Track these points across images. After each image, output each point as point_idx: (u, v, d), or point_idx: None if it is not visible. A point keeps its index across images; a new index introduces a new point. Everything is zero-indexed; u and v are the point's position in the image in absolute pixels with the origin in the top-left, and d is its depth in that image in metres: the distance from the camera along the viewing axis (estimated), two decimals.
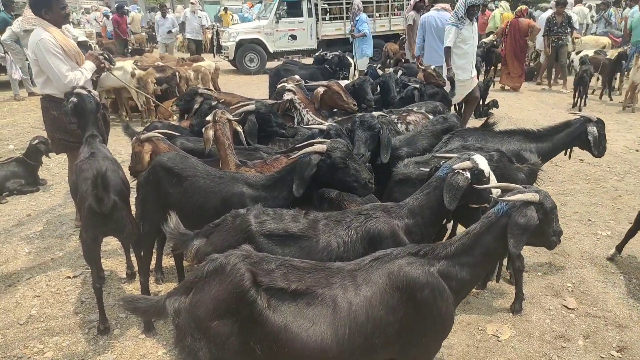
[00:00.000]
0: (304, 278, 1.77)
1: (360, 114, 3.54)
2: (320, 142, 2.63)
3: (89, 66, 4.05)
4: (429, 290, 1.83)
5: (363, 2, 14.91)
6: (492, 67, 12.73)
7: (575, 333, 3.05)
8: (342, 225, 2.22)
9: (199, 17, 14.40)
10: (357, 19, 10.28)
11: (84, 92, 3.60)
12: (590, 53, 10.44)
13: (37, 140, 5.48)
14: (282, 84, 4.48)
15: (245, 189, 2.63)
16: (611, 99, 10.04)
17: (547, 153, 3.75)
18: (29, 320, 3.20)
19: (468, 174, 2.30)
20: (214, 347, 1.66)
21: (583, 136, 3.73)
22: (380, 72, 4.94)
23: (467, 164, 2.33)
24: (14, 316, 3.24)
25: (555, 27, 10.73)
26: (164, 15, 14.38)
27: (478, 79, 10.44)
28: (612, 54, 10.07)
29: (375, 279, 1.83)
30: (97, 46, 14.09)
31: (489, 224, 1.95)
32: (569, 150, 3.95)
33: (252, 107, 3.72)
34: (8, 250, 4.13)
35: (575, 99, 9.38)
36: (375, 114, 3.46)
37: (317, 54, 9.56)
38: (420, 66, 6.27)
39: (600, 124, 3.77)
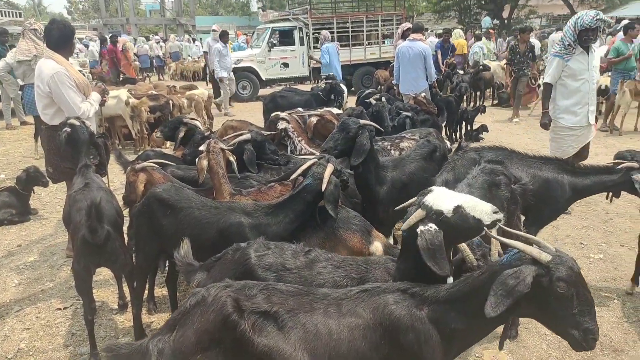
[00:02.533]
0: (287, 301, 1.73)
1: (344, 118, 3.65)
2: (315, 163, 2.78)
3: (95, 97, 4.13)
4: (413, 335, 1.70)
5: (354, 31, 15.41)
6: (480, 93, 12.97)
7: (572, 358, 3.04)
8: (339, 272, 2.13)
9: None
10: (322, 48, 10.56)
11: (77, 122, 3.63)
12: None
13: (29, 170, 5.46)
14: (277, 113, 4.54)
15: (244, 218, 2.63)
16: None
17: (582, 190, 3.53)
18: (17, 354, 3.14)
19: (432, 226, 1.79)
20: None
21: (627, 185, 3.42)
22: (373, 101, 5.02)
23: (419, 213, 1.84)
24: (2, 350, 3.18)
25: (518, 57, 10.66)
26: (225, 43, 12.02)
27: (466, 104, 10.68)
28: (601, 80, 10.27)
29: (360, 311, 1.74)
30: (90, 75, 14.20)
31: (491, 272, 1.67)
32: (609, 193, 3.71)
33: (247, 136, 3.76)
34: None
35: None
36: (362, 122, 3.51)
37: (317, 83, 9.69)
38: (398, 95, 6.36)
39: None
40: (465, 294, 1.72)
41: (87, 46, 21.12)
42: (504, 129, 10.21)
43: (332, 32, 15.37)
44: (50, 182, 5.42)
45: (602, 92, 9.61)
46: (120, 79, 15.41)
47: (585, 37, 4.53)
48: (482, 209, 1.81)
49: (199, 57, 22.87)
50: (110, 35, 16.60)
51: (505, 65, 11.33)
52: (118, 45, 16.02)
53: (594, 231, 4.94)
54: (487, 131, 9.01)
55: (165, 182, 3.29)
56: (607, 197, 3.80)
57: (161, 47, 24.92)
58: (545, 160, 3.59)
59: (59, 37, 3.94)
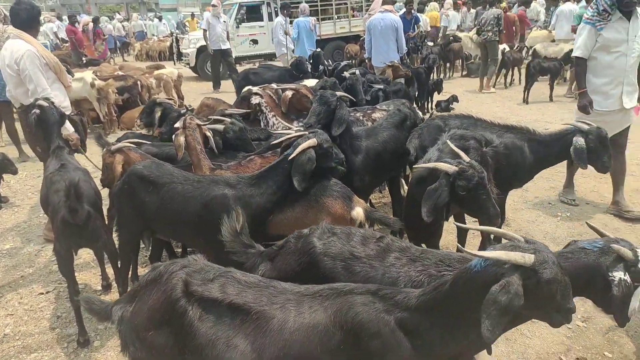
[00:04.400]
0: (243, 292, 1.65)
1: (321, 91, 3.62)
2: (301, 136, 2.76)
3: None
4: (379, 342, 1.54)
5: (323, 5, 15.20)
6: (450, 64, 13.13)
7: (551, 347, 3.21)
8: (415, 266, 1.88)
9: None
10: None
11: (46, 103, 3.56)
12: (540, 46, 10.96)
13: None
14: (249, 88, 4.51)
15: (227, 190, 2.64)
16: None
17: (544, 158, 3.56)
18: (3, 339, 3.12)
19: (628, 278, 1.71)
20: (153, 358, 1.67)
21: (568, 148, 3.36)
22: (346, 74, 5.05)
23: (628, 254, 1.72)
24: None
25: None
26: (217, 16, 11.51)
27: (435, 77, 10.73)
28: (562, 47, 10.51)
29: (321, 310, 1.60)
30: None
31: (464, 280, 1.50)
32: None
33: (220, 127, 3.69)
34: None
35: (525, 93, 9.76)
36: (339, 94, 3.53)
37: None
38: (370, 68, 6.39)
39: (592, 134, 3.36)
40: (438, 302, 1.55)
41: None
42: (474, 98, 10.41)
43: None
44: (18, 170, 5.39)
45: (567, 60, 9.88)
46: (84, 61, 14.90)
47: (626, 2, 3.78)
48: (636, 301, 1.76)
49: (164, 37, 22.26)
50: (68, 15, 15.92)
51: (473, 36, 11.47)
52: (79, 25, 15.47)
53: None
54: (457, 101, 9.17)
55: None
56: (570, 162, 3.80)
57: (124, 26, 24.10)
58: (508, 128, 3.68)
59: (27, 18, 3.93)
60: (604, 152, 3.38)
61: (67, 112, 3.98)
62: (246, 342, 1.57)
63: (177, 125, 3.49)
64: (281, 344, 1.56)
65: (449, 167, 2.39)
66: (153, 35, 23.40)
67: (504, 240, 1.65)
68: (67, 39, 16.59)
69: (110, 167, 3.25)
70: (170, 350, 1.63)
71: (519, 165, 3.57)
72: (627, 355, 2.83)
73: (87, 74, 8.04)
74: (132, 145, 3.44)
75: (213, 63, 12.44)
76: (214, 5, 11.64)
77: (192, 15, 22.48)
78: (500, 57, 10.73)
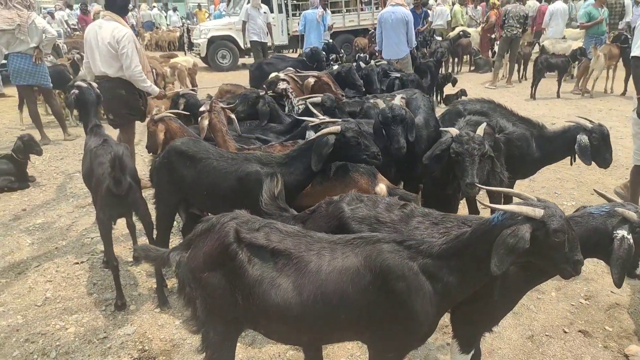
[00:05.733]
0: (284, 240, 1.86)
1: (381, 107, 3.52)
2: (334, 123, 2.91)
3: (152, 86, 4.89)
4: (404, 284, 1.76)
5: None
6: (458, 59, 13.28)
7: (548, 287, 3.44)
8: (438, 229, 2.09)
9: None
10: None
11: (84, 84, 3.77)
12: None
13: (24, 138, 5.52)
14: (276, 73, 4.72)
15: (260, 167, 2.84)
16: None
17: (550, 153, 3.68)
18: (45, 302, 3.36)
19: (631, 238, 1.84)
20: (207, 296, 1.87)
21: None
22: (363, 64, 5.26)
23: (631, 215, 1.88)
24: (30, 300, 3.39)
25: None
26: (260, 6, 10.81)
27: (444, 71, 10.88)
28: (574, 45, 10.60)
29: (353, 256, 1.82)
30: (64, 45, 13.84)
31: (483, 231, 1.73)
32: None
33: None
34: (10, 242, 4.23)
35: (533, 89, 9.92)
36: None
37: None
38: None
39: (595, 132, 3.46)
40: (458, 250, 1.77)
41: (52, 15, 20.30)
42: (482, 93, 10.56)
43: None
44: (43, 152, 5.77)
45: (574, 57, 10.05)
46: None
47: None
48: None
49: (174, 27, 22.42)
50: (80, 3, 16.10)
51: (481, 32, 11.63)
52: (90, 14, 15.64)
53: (567, 182, 5.38)
54: (465, 95, 9.33)
55: (181, 130, 3.57)
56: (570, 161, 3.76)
57: (134, 15, 24.23)
58: (523, 120, 3.83)
59: (122, 4, 4.65)
60: (605, 149, 3.51)
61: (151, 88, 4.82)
62: (288, 281, 1.80)
63: (202, 108, 3.70)
64: (318, 283, 1.78)
65: (454, 131, 2.85)
66: (167, 25, 23.49)
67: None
68: (78, 27, 16.80)
69: (154, 134, 3.52)
70: (222, 289, 1.84)
71: (526, 156, 3.71)
72: (626, 330, 3.05)
73: None
74: (172, 115, 3.69)
75: (255, 56, 11.27)
76: None
77: (199, 6, 22.61)
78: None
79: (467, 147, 2.74)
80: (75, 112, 7.89)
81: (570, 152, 3.60)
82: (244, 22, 10.82)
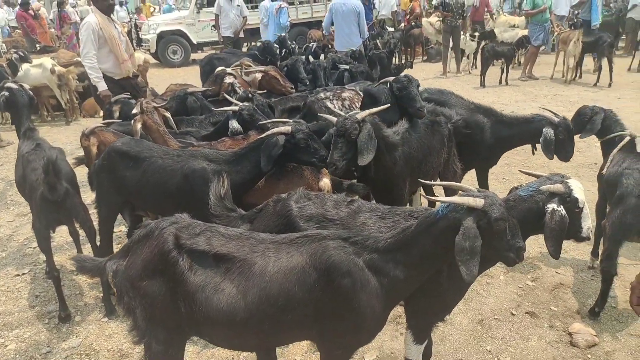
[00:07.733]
0: (227, 244, 1.82)
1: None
2: (284, 123, 2.84)
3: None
4: (349, 280, 1.75)
5: None
6: (410, 49, 13.43)
7: (497, 271, 3.54)
8: (385, 223, 2.08)
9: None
10: None
11: (15, 86, 3.56)
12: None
13: None
14: (222, 68, 4.61)
15: (206, 164, 2.76)
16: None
17: (505, 139, 3.70)
18: None
19: (562, 210, 1.90)
20: (147, 305, 1.81)
21: (538, 137, 3.50)
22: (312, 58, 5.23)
23: (558, 188, 1.94)
24: None
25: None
26: None
27: (396, 62, 11.01)
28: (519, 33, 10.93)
29: (298, 255, 1.80)
30: (3, 45, 13.08)
31: (428, 224, 1.75)
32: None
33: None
34: None
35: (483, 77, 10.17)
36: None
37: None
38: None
39: (561, 127, 3.48)
40: (403, 244, 1.78)
41: None
42: (434, 83, 10.75)
43: None
44: None
45: (520, 45, 10.37)
46: (37, 48, 14.34)
47: None
48: (587, 221, 2.00)
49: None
50: (20, 1, 15.21)
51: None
52: (31, 11, 14.82)
53: (514, 167, 5.54)
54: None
55: (116, 139, 3.35)
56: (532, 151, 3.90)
57: (76, 12, 23.11)
58: (477, 107, 3.85)
59: None
60: (569, 143, 3.52)
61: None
62: (231, 285, 1.76)
63: (134, 111, 3.51)
64: (263, 285, 1.75)
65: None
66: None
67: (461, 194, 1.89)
68: (18, 24, 15.87)
69: (87, 149, 3.31)
70: (163, 297, 1.78)
71: (479, 142, 3.73)
72: (570, 309, 3.17)
73: (47, 60, 7.85)
74: (103, 125, 3.51)
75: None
76: None
77: (143, 1, 21.78)
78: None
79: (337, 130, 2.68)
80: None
81: (532, 141, 3.61)
82: (217, 16, 10.09)
